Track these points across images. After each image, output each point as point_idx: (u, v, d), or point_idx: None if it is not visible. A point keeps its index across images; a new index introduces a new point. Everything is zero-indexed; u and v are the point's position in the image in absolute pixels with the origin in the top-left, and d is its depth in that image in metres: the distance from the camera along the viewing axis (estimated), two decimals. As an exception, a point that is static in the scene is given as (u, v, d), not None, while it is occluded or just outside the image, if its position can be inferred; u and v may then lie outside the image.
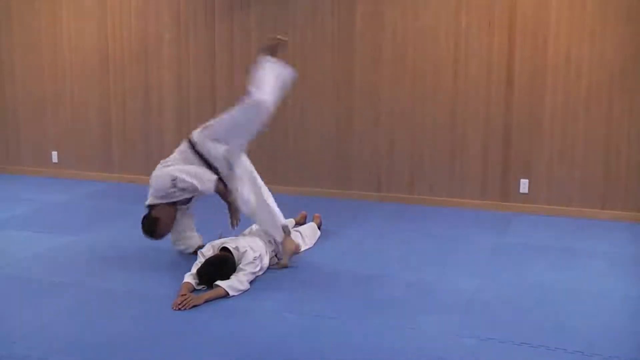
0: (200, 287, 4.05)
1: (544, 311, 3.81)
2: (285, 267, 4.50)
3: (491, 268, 4.56)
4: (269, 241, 4.56)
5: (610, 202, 5.83)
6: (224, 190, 4.58)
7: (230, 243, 4.28)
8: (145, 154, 7.26)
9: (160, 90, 7.11)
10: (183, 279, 4.08)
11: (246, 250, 4.20)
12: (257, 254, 4.23)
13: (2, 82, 7.76)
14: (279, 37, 4.66)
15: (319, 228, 5.26)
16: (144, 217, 4.49)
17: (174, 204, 4.49)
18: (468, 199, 6.22)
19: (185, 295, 3.86)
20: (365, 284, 4.24)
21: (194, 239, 4.79)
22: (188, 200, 4.64)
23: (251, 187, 4.64)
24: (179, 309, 3.76)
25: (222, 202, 4.67)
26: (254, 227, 4.77)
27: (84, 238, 5.21)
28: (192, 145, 4.56)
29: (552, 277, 4.37)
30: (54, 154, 7.63)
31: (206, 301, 3.86)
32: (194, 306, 3.80)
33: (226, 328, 3.56)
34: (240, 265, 4.14)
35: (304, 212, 5.50)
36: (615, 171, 5.79)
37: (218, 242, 4.34)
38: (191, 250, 4.73)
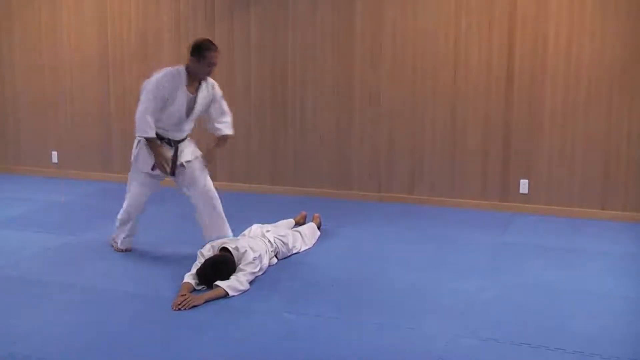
0: (200, 287, 4.05)
1: (543, 311, 3.80)
2: None
3: (491, 268, 4.56)
4: (269, 241, 4.56)
5: (610, 202, 5.83)
6: None
7: (230, 243, 4.29)
8: (145, 154, 7.25)
9: (160, 90, 7.10)
10: (183, 279, 4.08)
11: (246, 251, 4.20)
12: (256, 254, 4.23)
13: (2, 82, 7.75)
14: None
15: (318, 228, 5.25)
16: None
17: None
18: (468, 199, 6.21)
19: (185, 295, 3.86)
20: (365, 284, 4.24)
21: None
22: None
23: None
24: (179, 309, 3.76)
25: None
26: (254, 227, 4.77)
27: (84, 238, 5.21)
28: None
29: (552, 277, 4.37)
30: (54, 153, 7.63)
31: (206, 301, 3.86)
32: (194, 306, 3.80)
33: (226, 328, 3.56)
34: (240, 266, 4.14)
35: (303, 212, 5.49)
36: (615, 171, 5.78)
37: (218, 242, 4.34)
38: None
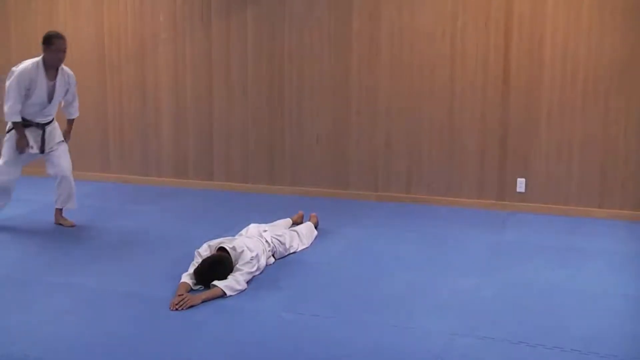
0: (197, 287, 4.05)
1: (541, 310, 3.81)
2: None
3: (489, 267, 4.57)
4: (266, 241, 4.56)
5: (608, 200, 5.84)
6: None
7: (227, 243, 4.28)
8: (142, 154, 7.25)
9: (156, 90, 7.11)
10: (180, 279, 4.07)
11: (243, 250, 4.20)
12: (254, 254, 4.23)
13: None
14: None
15: (315, 227, 5.26)
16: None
17: None
18: (465, 198, 6.22)
19: (182, 295, 3.86)
20: (363, 283, 4.24)
21: None
22: None
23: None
24: (177, 309, 3.76)
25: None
26: (251, 226, 4.77)
27: (83, 238, 5.20)
28: None
29: (549, 275, 4.38)
30: (51, 154, 7.61)
31: (203, 301, 3.86)
32: (191, 306, 3.80)
33: (223, 328, 3.56)
34: (238, 265, 4.14)
35: (300, 212, 5.50)
36: (612, 169, 5.80)
37: (215, 242, 4.34)
38: None
